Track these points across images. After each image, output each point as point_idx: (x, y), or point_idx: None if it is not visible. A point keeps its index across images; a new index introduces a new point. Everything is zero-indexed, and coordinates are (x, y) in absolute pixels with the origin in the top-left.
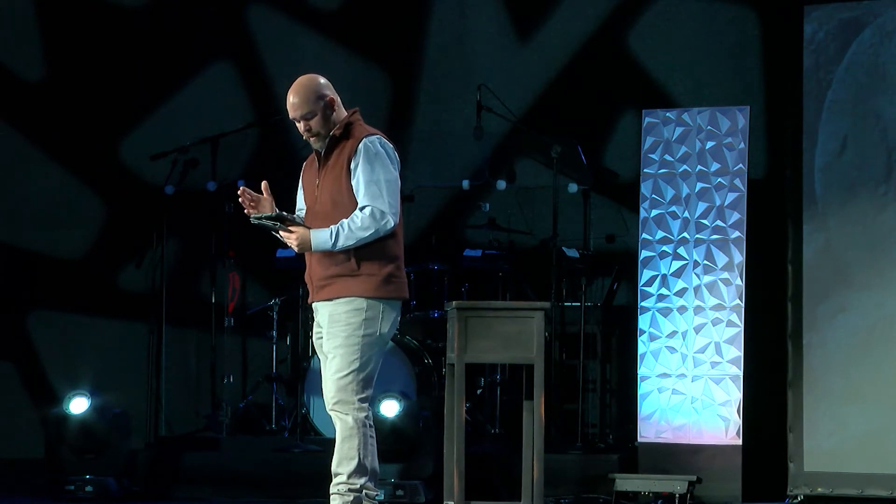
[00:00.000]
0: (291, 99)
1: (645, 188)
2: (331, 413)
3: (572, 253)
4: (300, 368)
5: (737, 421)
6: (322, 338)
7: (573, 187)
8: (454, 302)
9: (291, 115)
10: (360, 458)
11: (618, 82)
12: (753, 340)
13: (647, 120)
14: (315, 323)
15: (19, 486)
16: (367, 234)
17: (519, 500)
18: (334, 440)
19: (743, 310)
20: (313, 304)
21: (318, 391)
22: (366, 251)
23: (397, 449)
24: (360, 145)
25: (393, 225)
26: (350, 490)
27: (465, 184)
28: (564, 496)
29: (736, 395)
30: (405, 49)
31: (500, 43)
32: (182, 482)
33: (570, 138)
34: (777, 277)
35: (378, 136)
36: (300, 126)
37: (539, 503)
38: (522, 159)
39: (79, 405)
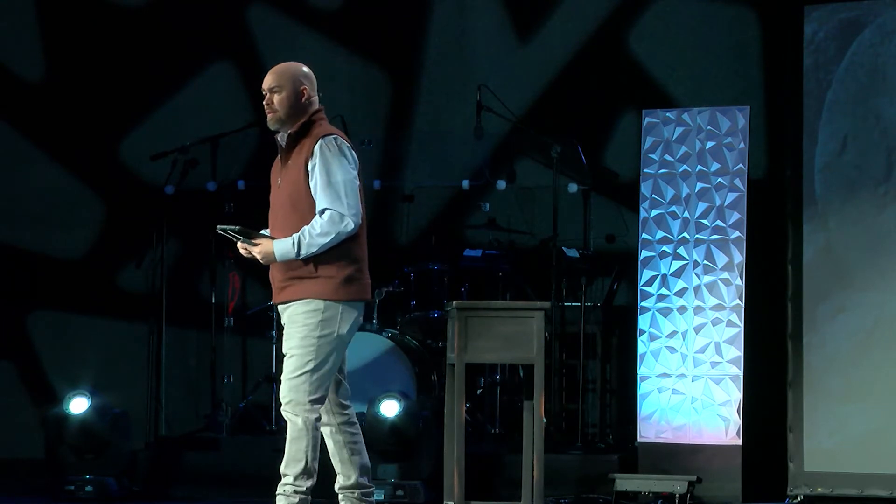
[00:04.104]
0: (268, 73)
1: (645, 188)
2: (282, 413)
3: (572, 253)
4: None
5: (737, 421)
6: None
7: (573, 187)
8: (454, 302)
9: (263, 86)
10: (307, 461)
11: (618, 82)
12: (753, 340)
13: (647, 120)
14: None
15: (19, 486)
16: (328, 239)
17: (519, 500)
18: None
19: (743, 310)
20: (277, 306)
21: None
22: (324, 254)
23: (397, 449)
24: (317, 147)
25: (354, 226)
26: (296, 492)
27: (465, 184)
28: (564, 496)
29: (736, 395)
30: (405, 49)
31: (500, 43)
32: (182, 482)
33: (570, 138)
34: (777, 277)
35: (335, 135)
36: (266, 98)
37: (539, 503)
38: (522, 159)
39: (79, 405)
